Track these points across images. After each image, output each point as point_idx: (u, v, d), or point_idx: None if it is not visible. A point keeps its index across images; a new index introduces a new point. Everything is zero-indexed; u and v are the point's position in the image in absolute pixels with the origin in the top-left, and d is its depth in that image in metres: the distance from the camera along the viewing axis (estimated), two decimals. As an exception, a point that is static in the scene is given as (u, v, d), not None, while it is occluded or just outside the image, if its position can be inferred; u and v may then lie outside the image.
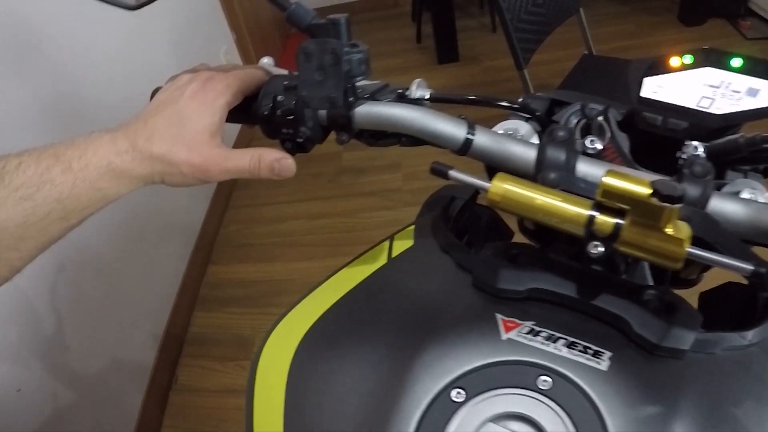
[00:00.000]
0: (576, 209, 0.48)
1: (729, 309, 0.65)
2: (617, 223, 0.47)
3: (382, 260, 0.65)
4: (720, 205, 0.53)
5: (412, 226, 0.69)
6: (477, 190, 0.67)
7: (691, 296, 0.62)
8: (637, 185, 0.44)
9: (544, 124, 0.66)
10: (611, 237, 0.47)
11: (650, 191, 0.43)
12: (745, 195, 0.56)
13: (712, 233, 0.50)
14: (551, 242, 0.60)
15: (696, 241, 0.48)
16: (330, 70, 0.62)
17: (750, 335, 0.53)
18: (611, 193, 0.45)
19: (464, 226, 0.73)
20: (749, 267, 0.46)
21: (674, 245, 0.45)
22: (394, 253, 0.65)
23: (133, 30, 2.19)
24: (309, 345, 0.57)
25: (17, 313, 1.57)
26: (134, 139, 0.56)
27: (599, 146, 0.61)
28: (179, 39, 2.59)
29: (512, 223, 0.72)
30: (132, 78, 2.20)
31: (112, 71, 2.12)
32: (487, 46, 3.94)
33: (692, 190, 0.53)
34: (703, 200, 0.53)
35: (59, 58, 1.84)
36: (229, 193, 3.09)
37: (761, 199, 0.56)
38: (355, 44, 0.64)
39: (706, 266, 0.63)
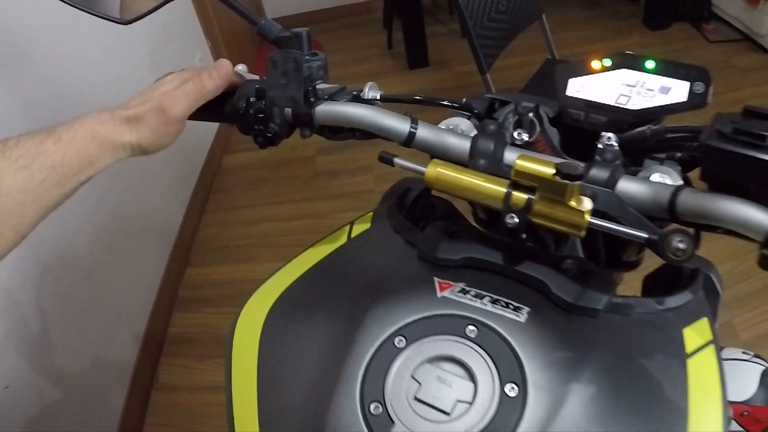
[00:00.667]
0: (495, 187, 0.58)
1: (666, 286, 0.74)
2: (529, 198, 0.57)
3: (343, 240, 0.74)
4: (626, 186, 0.62)
5: (371, 213, 0.79)
6: (429, 187, 0.77)
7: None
8: (543, 166, 0.54)
9: (482, 120, 0.75)
10: (525, 210, 0.57)
11: (554, 171, 0.53)
12: (654, 178, 0.64)
13: (615, 208, 0.59)
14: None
15: (601, 215, 0.58)
16: (293, 76, 0.73)
17: (666, 301, 0.63)
18: (522, 173, 0.55)
19: (421, 214, 0.82)
20: (643, 235, 0.55)
21: (577, 216, 0.55)
22: (353, 235, 0.75)
23: (113, 38, 2.24)
24: (278, 311, 0.67)
25: (4, 312, 1.61)
26: (113, 112, 0.66)
27: (526, 137, 0.71)
28: (156, 46, 2.63)
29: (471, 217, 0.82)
30: (112, 83, 2.25)
31: (94, 77, 2.16)
32: (457, 51, 4.00)
33: (601, 173, 0.62)
34: (612, 182, 0.62)
35: (44, 65, 1.90)
36: (205, 196, 3.14)
37: (668, 182, 0.64)
38: (315, 53, 0.75)
39: (642, 247, 0.74)
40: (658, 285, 0.77)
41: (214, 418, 2.09)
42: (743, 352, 1.85)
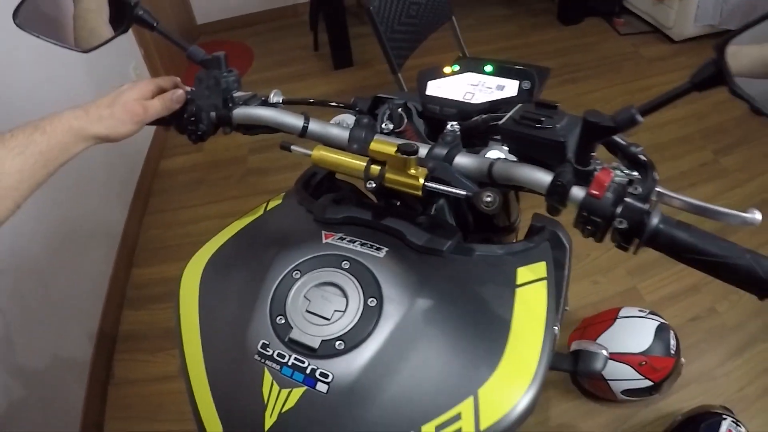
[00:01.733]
0: (359, 163, 0.83)
1: None
2: (382, 169, 0.80)
3: (260, 213, 0.98)
4: (460, 160, 0.84)
5: (284, 193, 1.02)
6: (332, 171, 1.00)
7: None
8: (388, 146, 0.78)
9: (363, 115, 0.96)
10: (380, 177, 0.80)
11: (395, 149, 0.76)
12: (490, 155, 0.84)
13: (446, 175, 0.82)
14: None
15: (438, 181, 0.80)
16: (213, 89, 0.97)
17: (505, 247, 0.87)
18: (375, 151, 0.79)
19: (327, 192, 1.03)
20: (463, 192, 0.79)
21: (414, 180, 0.79)
22: (268, 208, 0.99)
23: (49, 48, 2.29)
24: (212, 265, 0.90)
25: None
26: (86, 109, 0.87)
27: (391, 127, 0.93)
28: (90, 57, 2.59)
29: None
30: (49, 86, 2.36)
31: (31, 80, 2.25)
32: (379, 51, 4.02)
33: (441, 151, 0.84)
34: (450, 157, 0.84)
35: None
36: (145, 200, 3.22)
37: (501, 157, 0.84)
38: (230, 70, 0.98)
39: (508, 214, 0.97)
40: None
41: (170, 404, 2.26)
42: (639, 310, 2.10)
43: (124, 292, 2.75)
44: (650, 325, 2.04)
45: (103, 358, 2.41)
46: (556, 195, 0.71)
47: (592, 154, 0.71)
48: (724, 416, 1.84)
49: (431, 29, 2.67)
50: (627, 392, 2.03)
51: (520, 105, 0.80)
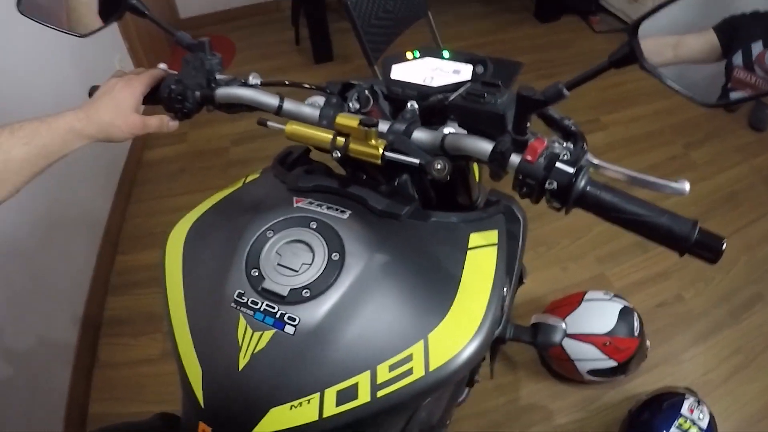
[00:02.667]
0: (326, 135, 0.91)
1: None
2: (346, 140, 0.89)
3: (239, 185, 1.07)
4: (417, 134, 0.92)
5: (262, 168, 1.10)
6: (308, 148, 1.08)
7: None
8: (351, 120, 0.87)
9: (334, 96, 1.03)
10: (344, 148, 0.89)
11: (357, 123, 0.85)
12: (446, 130, 0.92)
13: (403, 146, 0.90)
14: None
15: (397, 152, 0.89)
16: (199, 70, 1.06)
17: (460, 216, 0.96)
18: (340, 124, 0.88)
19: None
20: (416, 160, 0.88)
21: (374, 150, 0.88)
22: (247, 181, 1.07)
23: (37, 40, 2.39)
24: (195, 229, 0.99)
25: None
26: (87, 112, 0.96)
27: (357, 106, 1.01)
28: (77, 49, 2.71)
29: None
30: (37, 79, 2.42)
31: (20, 73, 2.30)
32: (358, 46, 4.13)
33: (400, 126, 0.93)
34: (409, 132, 0.92)
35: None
36: (129, 189, 3.27)
37: (452, 131, 0.91)
38: (214, 54, 1.07)
39: (467, 190, 1.06)
40: None
41: (152, 386, 2.32)
42: (604, 293, 2.19)
43: (109, 278, 2.80)
44: (614, 308, 2.12)
45: (88, 342, 2.46)
46: (497, 161, 0.81)
47: (528, 124, 0.80)
48: (687, 396, 1.91)
49: (407, 24, 2.74)
50: (593, 372, 2.11)
51: (468, 84, 0.90)
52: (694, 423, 1.82)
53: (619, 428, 2.01)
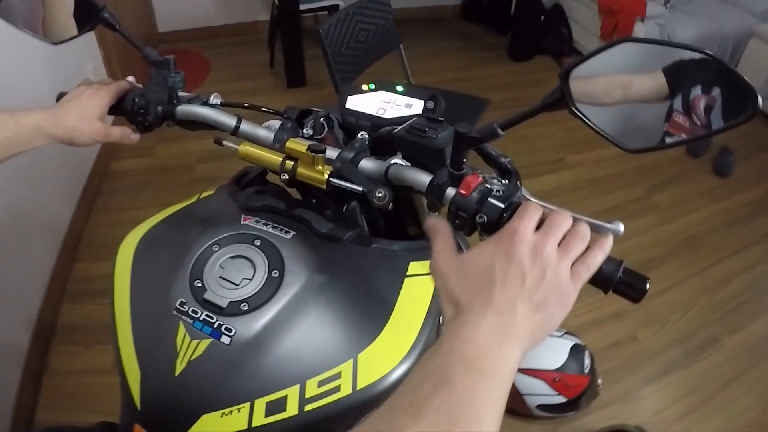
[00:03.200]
0: (277, 158, 0.95)
1: None
2: (294, 164, 0.92)
3: (193, 200, 1.09)
4: (364, 163, 0.95)
5: (218, 186, 1.13)
6: (264, 169, 1.10)
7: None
8: (300, 146, 0.91)
9: (291, 122, 1.05)
10: (292, 172, 0.92)
11: (306, 148, 0.89)
12: (393, 161, 0.94)
13: (349, 173, 0.93)
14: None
15: (343, 179, 0.92)
16: (162, 86, 1.08)
17: (402, 244, 1.00)
18: (290, 149, 0.92)
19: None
20: (359, 188, 0.91)
21: (320, 175, 0.91)
22: (201, 197, 1.10)
23: (14, 48, 2.38)
24: (145, 240, 1.01)
25: None
26: (55, 114, 1.00)
27: (311, 132, 1.03)
28: (52, 55, 2.69)
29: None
30: (13, 86, 2.41)
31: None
32: None
33: (348, 154, 0.95)
34: (356, 161, 0.95)
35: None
36: (93, 198, 3.25)
37: (400, 163, 0.94)
38: (178, 72, 1.09)
39: (415, 221, 1.09)
40: None
41: (101, 397, 2.18)
42: (556, 330, 2.21)
43: (65, 286, 2.77)
44: (565, 345, 2.14)
45: (39, 348, 2.43)
46: (434, 193, 0.84)
47: (465, 160, 0.83)
48: (636, 434, 1.91)
49: (379, 55, 2.79)
50: (542, 407, 2.12)
51: (414, 118, 0.94)
52: (641, 463, 1.81)
53: (568, 464, 2.00)
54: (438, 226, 0.73)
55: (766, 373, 2.48)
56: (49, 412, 2.29)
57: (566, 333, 2.19)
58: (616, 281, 0.70)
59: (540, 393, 2.09)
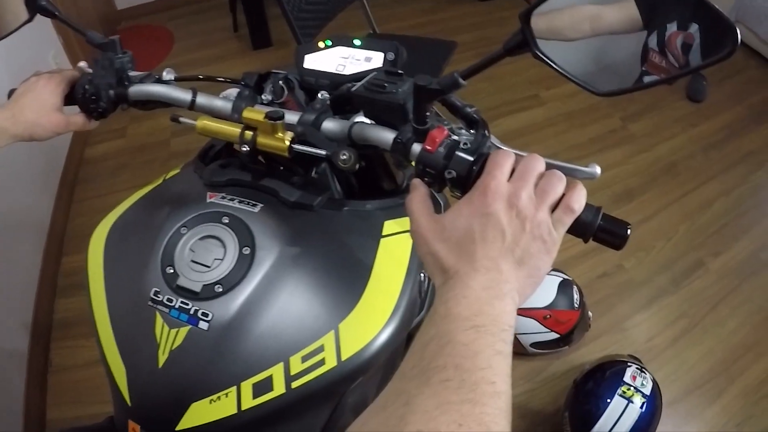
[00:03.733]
0: (235, 129, 0.91)
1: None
2: (253, 134, 0.89)
3: (159, 182, 1.07)
4: (326, 124, 0.92)
5: (183, 164, 1.11)
6: (231, 142, 1.06)
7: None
8: (257, 114, 0.87)
9: (250, 89, 1.02)
10: (252, 142, 0.89)
11: (263, 116, 0.86)
12: (356, 119, 0.91)
13: (312, 137, 0.90)
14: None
15: (306, 143, 0.89)
16: (109, 69, 1.04)
17: (375, 203, 0.97)
18: (247, 118, 0.88)
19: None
20: (323, 152, 0.88)
21: (281, 142, 0.88)
22: (167, 178, 1.08)
23: None
24: (116, 227, 1.00)
25: None
26: (13, 111, 0.99)
27: (270, 98, 1.01)
28: (9, 46, 2.47)
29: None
30: None
31: None
32: None
33: (310, 117, 0.92)
34: (318, 123, 0.92)
35: None
36: (71, 188, 3.21)
37: (365, 121, 0.91)
38: (125, 51, 1.06)
39: (389, 176, 1.06)
40: None
41: (107, 388, 2.25)
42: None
43: (56, 281, 2.76)
44: (553, 281, 2.17)
45: (40, 347, 2.43)
46: (398, 152, 0.81)
47: (430, 113, 0.80)
48: (629, 363, 1.96)
49: (340, 7, 2.72)
50: (536, 345, 2.16)
51: (373, 73, 0.89)
52: (637, 390, 1.86)
53: (565, 398, 2.04)
54: (414, 188, 0.73)
55: (752, 292, 2.53)
56: (59, 410, 2.30)
57: (553, 270, 2.21)
58: (596, 228, 0.69)
59: (532, 331, 2.12)
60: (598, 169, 0.72)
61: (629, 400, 1.84)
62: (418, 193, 0.72)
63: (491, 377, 0.54)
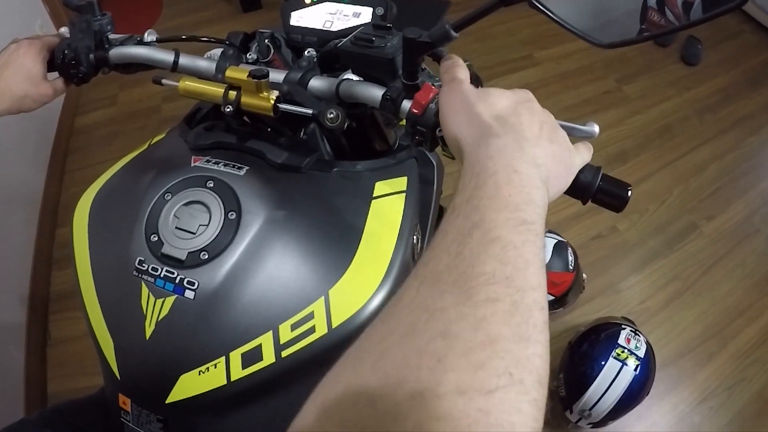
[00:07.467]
0: (219, 90, 0.88)
1: None
2: (237, 94, 0.86)
3: (144, 147, 1.05)
4: (313, 82, 0.90)
5: (170, 129, 1.08)
6: (217, 104, 1.05)
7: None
8: (240, 73, 0.85)
9: (236, 48, 1.01)
10: (236, 101, 0.86)
11: (247, 74, 0.83)
12: (344, 76, 0.90)
13: (298, 95, 0.88)
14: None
15: (292, 102, 0.87)
16: (86, 32, 1.01)
17: (363, 164, 0.94)
18: (230, 78, 0.86)
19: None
20: (310, 111, 0.86)
21: (266, 102, 0.85)
22: (153, 143, 1.06)
23: None
24: (100, 195, 0.97)
25: None
26: None
27: (255, 57, 0.99)
28: None
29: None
30: None
31: None
32: None
33: (296, 75, 0.90)
34: (305, 81, 0.90)
35: None
36: (63, 159, 3.17)
37: (346, 77, 0.89)
38: (104, 13, 1.02)
39: (379, 135, 1.04)
40: None
41: None
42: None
43: (51, 253, 2.73)
44: (548, 243, 2.16)
45: (38, 320, 2.42)
46: (387, 109, 0.79)
47: (422, 69, 0.78)
48: (623, 326, 1.97)
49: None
50: (531, 307, 2.15)
51: (360, 28, 0.87)
52: (631, 352, 1.87)
53: (560, 360, 2.06)
54: (451, 57, 0.72)
55: (745, 257, 2.54)
56: (59, 382, 2.30)
57: (548, 232, 2.21)
58: (596, 190, 0.68)
59: (527, 293, 2.11)
60: (596, 128, 0.71)
61: (623, 362, 1.85)
62: (458, 60, 0.70)
63: (542, 301, 0.43)
